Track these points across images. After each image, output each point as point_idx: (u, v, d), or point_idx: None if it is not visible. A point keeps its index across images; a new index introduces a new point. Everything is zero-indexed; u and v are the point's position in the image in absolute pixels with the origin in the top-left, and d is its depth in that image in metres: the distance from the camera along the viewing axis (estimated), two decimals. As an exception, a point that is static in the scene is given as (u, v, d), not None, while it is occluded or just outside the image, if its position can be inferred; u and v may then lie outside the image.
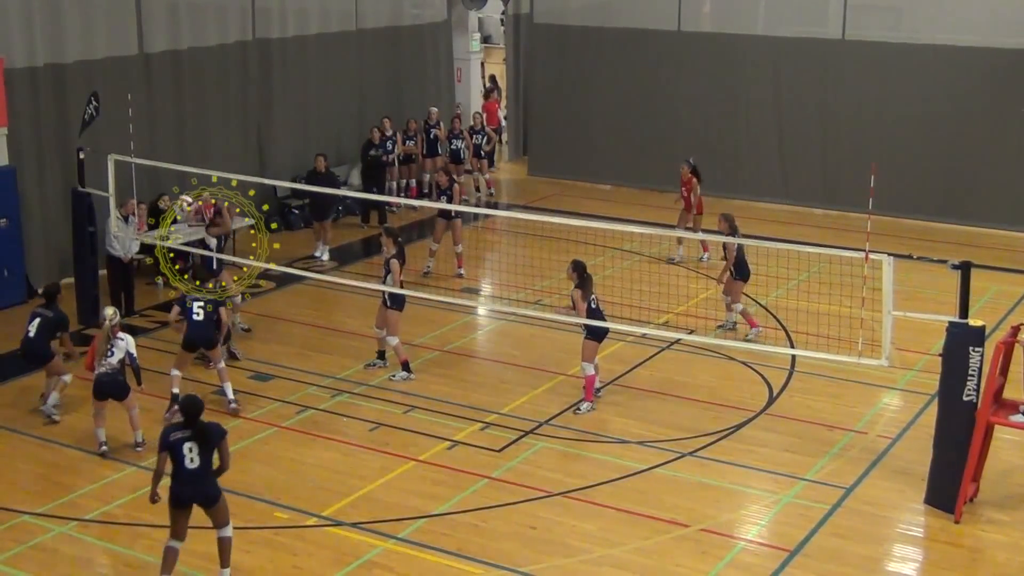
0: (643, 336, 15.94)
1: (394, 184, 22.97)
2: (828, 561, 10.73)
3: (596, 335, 13.66)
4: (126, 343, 12.70)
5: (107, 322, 12.67)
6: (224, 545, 10.10)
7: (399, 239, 14.90)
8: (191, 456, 9.77)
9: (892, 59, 22.29)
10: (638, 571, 10.57)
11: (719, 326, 16.43)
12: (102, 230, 16.78)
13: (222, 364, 13.92)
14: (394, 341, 14.74)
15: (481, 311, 17.76)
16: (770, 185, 23.59)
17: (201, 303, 13.69)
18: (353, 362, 15.30)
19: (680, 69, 24.25)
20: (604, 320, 13.70)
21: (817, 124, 23.12)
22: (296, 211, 21.97)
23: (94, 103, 16.83)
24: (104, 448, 12.73)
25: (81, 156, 16.62)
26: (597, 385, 14.02)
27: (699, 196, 19.16)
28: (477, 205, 23.33)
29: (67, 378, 13.78)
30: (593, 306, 13.61)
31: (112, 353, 12.61)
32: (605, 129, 25.17)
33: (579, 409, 13.70)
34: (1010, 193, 21.63)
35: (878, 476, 12.33)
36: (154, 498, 10.15)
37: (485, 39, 31.01)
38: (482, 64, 29.72)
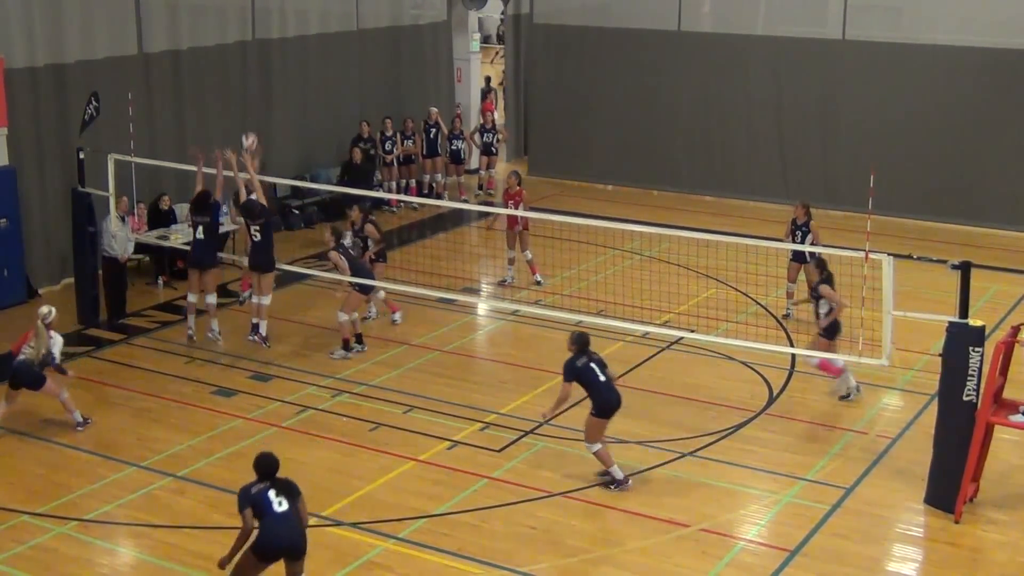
0: (643, 336, 15.95)
1: (394, 184, 22.98)
2: (828, 561, 10.73)
3: (604, 412, 11.96)
4: (52, 342, 12.90)
5: (39, 320, 12.92)
6: None
7: (341, 237, 15.60)
8: (278, 500, 9.25)
9: (892, 59, 22.28)
10: (638, 571, 10.57)
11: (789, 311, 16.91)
12: (102, 230, 16.78)
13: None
14: (342, 318, 15.39)
15: (481, 311, 17.76)
16: (770, 185, 23.57)
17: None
18: (353, 362, 15.31)
19: (680, 69, 24.24)
20: (613, 395, 11.93)
21: (817, 124, 23.12)
22: (296, 211, 21.98)
23: (94, 103, 16.83)
24: None
25: (81, 156, 16.62)
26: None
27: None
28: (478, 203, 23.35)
29: (212, 300, 15.61)
30: (602, 379, 11.91)
31: (32, 347, 12.88)
32: (605, 129, 25.16)
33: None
34: (1010, 193, 21.61)
35: (878, 476, 12.33)
36: (223, 564, 9.35)
37: (485, 39, 31.04)
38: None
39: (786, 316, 16.89)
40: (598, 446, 11.90)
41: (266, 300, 15.38)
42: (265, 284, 15.36)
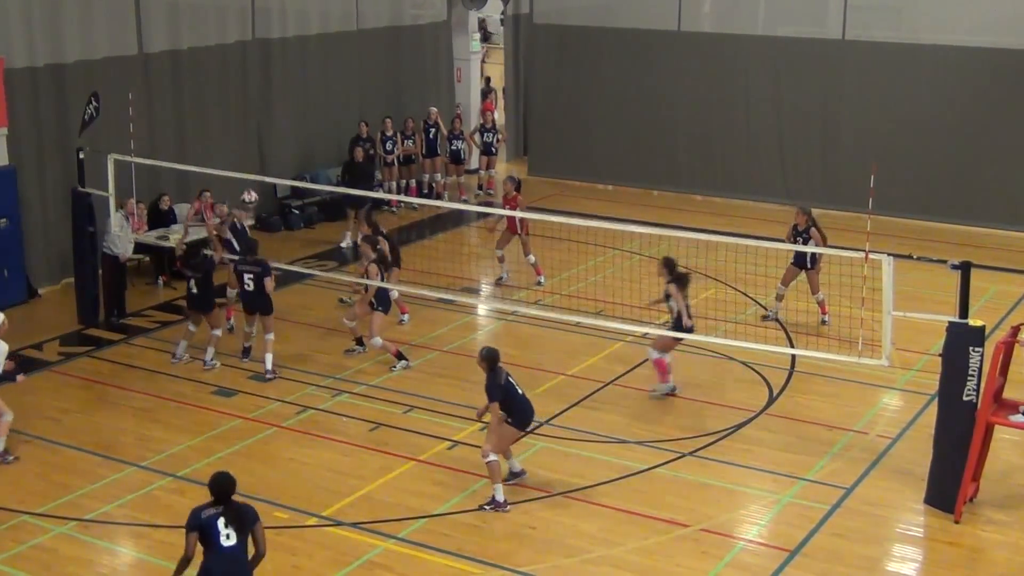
0: (643, 336, 15.94)
1: (394, 184, 22.98)
2: (828, 561, 10.73)
3: (522, 425, 11.86)
4: None
5: None
6: None
7: (379, 245, 15.26)
8: (227, 532, 8.44)
9: (892, 59, 22.28)
10: (638, 571, 10.57)
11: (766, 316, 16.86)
12: (102, 230, 16.78)
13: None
14: (378, 343, 15.01)
15: (481, 311, 17.76)
16: (770, 185, 23.58)
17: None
18: (353, 362, 15.32)
19: (680, 69, 24.25)
20: (530, 407, 11.86)
21: (817, 124, 23.12)
22: (297, 211, 21.98)
23: (94, 103, 16.83)
24: None
25: (81, 156, 16.62)
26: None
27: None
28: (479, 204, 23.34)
29: (218, 332, 15.19)
30: (520, 392, 11.77)
31: None
32: (605, 129, 25.16)
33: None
34: (1010, 193, 21.62)
35: (878, 476, 12.33)
36: None
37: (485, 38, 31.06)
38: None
39: (766, 317, 16.83)
40: (495, 457, 11.57)
41: (271, 336, 14.97)
42: (268, 323, 15.00)
